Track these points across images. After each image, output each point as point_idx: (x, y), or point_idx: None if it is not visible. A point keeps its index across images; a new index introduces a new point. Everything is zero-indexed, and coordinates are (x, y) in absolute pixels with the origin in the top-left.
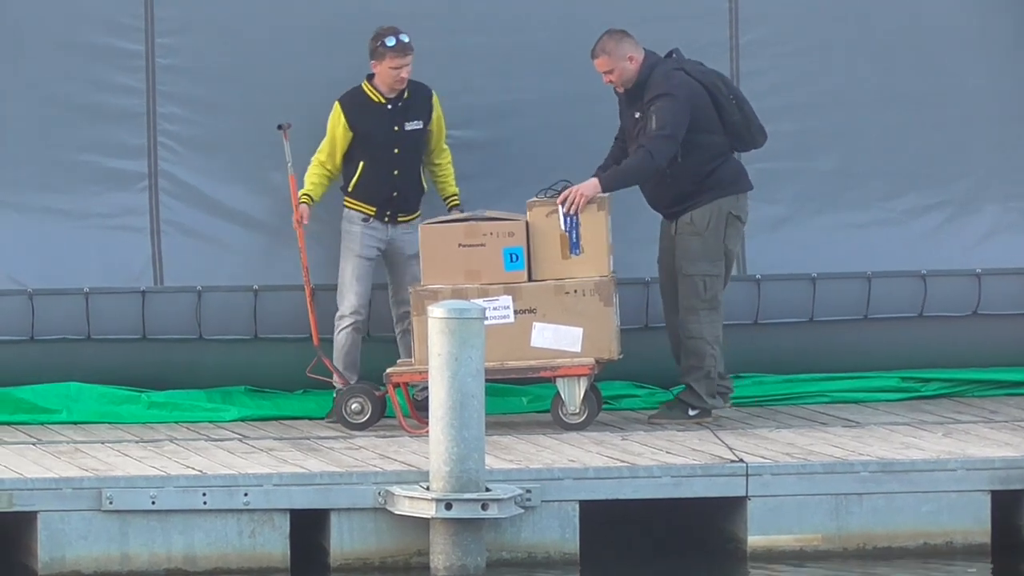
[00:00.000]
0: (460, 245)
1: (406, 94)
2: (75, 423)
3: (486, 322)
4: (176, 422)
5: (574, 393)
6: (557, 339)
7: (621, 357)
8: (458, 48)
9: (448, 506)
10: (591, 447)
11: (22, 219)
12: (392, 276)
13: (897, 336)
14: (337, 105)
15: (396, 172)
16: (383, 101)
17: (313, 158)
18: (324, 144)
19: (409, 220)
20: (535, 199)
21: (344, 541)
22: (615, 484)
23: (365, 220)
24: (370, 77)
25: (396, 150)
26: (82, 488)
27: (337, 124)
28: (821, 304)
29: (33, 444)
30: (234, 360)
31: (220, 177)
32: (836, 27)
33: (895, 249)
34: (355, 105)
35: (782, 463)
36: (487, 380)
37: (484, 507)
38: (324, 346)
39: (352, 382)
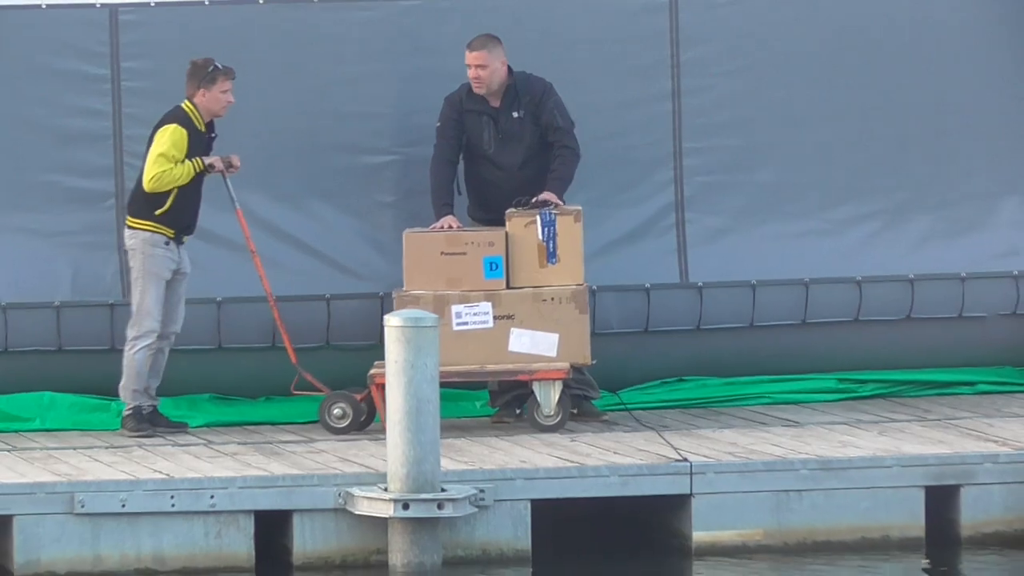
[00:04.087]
0: (442, 253)
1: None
2: (48, 431)
3: (466, 327)
4: None
5: (550, 396)
6: (534, 344)
7: (595, 363)
8: (410, 70)
9: (405, 506)
10: (541, 448)
11: None
12: (169, 295)
13: (834, 340)
14: (183, 128)
15: (199, 198)
16: (204, 130)
17: (166, 164)
18: (174, 152)
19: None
20: (514, 210)
21: (306, 541)
22: (565, 483)
23: (167, 244)
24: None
25: (205, 177)
26: (55, 492)
27: (183, 143)
28: (761, 310)
29: (8, 451)
30: (199, 369)
31: None
32: (773, 45)
33: (832, 257)
34: (191, 131)
35: (725, 462)
36: (468, 381)
37: (440, 507)
38: (302, 360)
39: (157, 403)
